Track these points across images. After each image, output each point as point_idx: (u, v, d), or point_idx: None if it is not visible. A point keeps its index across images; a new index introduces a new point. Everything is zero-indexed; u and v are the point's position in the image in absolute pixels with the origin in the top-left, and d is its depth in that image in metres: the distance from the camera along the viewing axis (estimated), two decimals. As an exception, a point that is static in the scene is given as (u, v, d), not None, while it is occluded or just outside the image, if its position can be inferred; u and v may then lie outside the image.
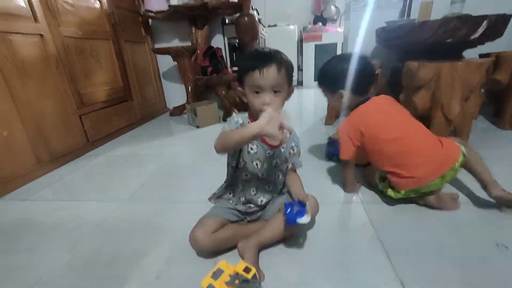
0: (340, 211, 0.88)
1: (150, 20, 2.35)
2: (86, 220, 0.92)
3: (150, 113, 2.33)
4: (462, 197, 0.90)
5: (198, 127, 1.96)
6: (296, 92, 3.42)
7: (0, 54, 1.11)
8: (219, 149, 0.65)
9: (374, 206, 0.89)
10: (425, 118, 1.27)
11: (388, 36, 1.57)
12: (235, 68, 2.41)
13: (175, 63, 2.30)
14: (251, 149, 0.71)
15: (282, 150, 0.75)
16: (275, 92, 0.65)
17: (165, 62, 2.49)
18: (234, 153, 0.74)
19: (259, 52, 0.67)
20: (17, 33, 1.18)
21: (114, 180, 1.22)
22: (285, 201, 0.74)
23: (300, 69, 3.80)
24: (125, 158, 1.48)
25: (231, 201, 0.78)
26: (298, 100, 2.94)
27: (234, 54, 2.57)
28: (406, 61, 1.31)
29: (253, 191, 0.76)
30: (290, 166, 0.78)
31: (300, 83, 3.88)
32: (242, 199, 0.77)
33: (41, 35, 1.30)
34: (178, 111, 2.41)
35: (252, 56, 0.67)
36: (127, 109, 1.98)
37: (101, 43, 1.74)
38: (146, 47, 2.32)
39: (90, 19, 1.66)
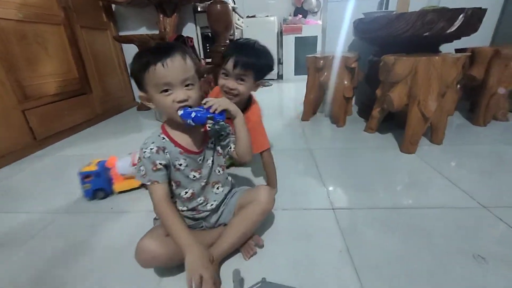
0: (308, 218, 0.79)
1: (113, 6, 2.13)
2: (14, 236, 0.77)
3: (114, 107, 2.13)
4: (439, 203, 0.84)
5: (166, 123, 1.81)
6: (276, 85, 3.36)
7: None
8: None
9: (345, 213, 0.80)
10: (401, 115, 1.22)
11: (365, 28, 1.49)
12: (209, 60, 2.26)
13: (142, 53, 2.10)
14: (180, 165, 0.59)
15: (211, 145, 0.65)
16: (187, 86, 0.55)
17: (133, 52, 2.27)
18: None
19: (155, 45, 0.56)
20: None
21: (56, 186, 1.06)
22: (239, 199, 0.69)
23: (280, 62, 3.69)
24: (75, 159, 1.31)
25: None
26: (279, 94, 2.85)
27: (207, 44, 2.41)
28: (383, 55, 1.24)
29: (200, 200, 0.65)
30: (231, 150, 0.67)
31: (280, 76, 3.77)
32: (185, 208, 0.66)
33: (-37, 15, 1.10)
34: (146, 105, 2.23)
35: (148, 50, 0.55)
36: (84, 103, 1.78)
37: (49, 28, 1.52)
38: (108, 34, 2.10)
39: (33, 0, 1.44)
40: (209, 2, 1.99)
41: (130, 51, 2.27)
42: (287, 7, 3.75)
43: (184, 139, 0.60)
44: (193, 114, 0.53)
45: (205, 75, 2.11)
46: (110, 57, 2.12)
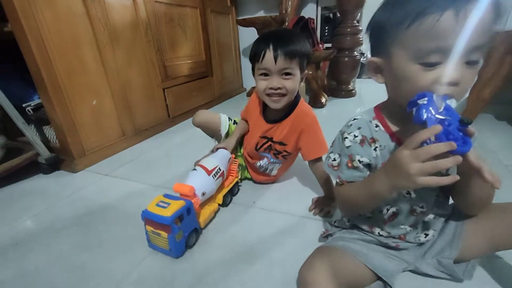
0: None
1: (236, -11, 2.15)
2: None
3: (227, 91, 2.19)
4: None
5: (279, 111, 1.70)
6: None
7: (95, 16, 1.04)
8: (349, 214, 0.51)
9: None
10: None
11: None
12: (328, 45, 2.02)
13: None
14: None
15: None
16: (469, 63, 0.31)
17: (246, 38, 2.27)
18: None
19: None
20: (110, -6, 1.10)
21: (189, 164, 1.08)
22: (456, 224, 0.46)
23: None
24: (203, 138, 1.34)
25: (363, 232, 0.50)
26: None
27: (326, 27, 2.16)
28: None
29: (403, 227, 0.46)
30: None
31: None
32: (384, 232, 0.47)
33: (134, -1, 1.21)
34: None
35: None
36: (207, 86, 1.86)
37: (189, 11, 1.60)
38: (230, 19, 2.13)
39: (180, -17, 1.52)
40: (339, -24, 1.74)
41: (246, 37, 2.27)
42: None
43: (404, 133, 0.40)
44: (426, 115, 0.31)
45: (321, 62, 1.90)
46: (228, 42, 2.17)
